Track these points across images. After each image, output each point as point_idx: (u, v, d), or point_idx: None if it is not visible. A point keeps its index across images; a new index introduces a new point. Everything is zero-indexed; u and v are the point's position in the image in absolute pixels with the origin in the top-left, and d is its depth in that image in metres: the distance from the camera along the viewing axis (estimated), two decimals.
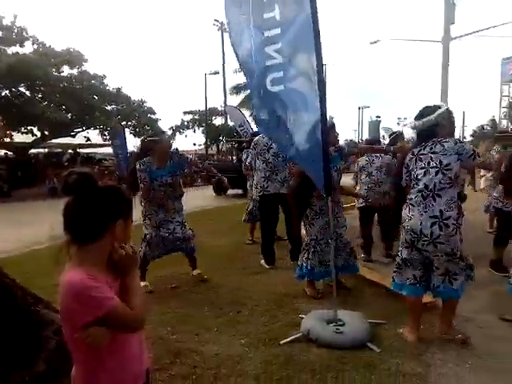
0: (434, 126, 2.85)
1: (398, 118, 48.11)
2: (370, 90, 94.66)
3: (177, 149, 4.53)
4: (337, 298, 3.27)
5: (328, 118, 3.15)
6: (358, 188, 5.35)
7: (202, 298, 3.89)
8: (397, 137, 5.36)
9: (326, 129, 2.95)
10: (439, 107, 2.89)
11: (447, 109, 2.93)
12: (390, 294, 3.75)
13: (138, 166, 4.05)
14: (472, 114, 63.75)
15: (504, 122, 13.60)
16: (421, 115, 2.92)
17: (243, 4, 3.22)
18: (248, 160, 6.06)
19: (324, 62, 2.95)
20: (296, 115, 3.07)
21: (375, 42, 19.43)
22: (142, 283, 3.82)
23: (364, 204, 5.14)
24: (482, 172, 7.29)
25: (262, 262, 5.01)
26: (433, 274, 2.85)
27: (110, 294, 1.26)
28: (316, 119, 2.90)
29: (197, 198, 11.00)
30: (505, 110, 12.76)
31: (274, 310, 3.55)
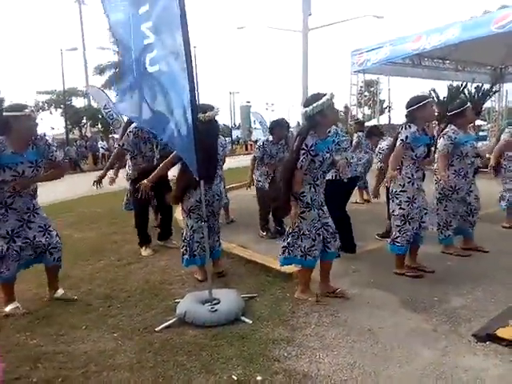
0: (318, 113, 3.04)
1: (266, 104, 50.85)
2: (239, 76, 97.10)
3: (45, 133, 3.91)
4: (213, 279, 3.37)
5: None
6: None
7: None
8: None
9: (197, 111, 2.92)
10: (324, 95, 3.05)
11: (331, 98, 3.05)
12: (262, 270, 3.99)
13: None
14: None
15: (354, 109, 15.32)
16: (308, 102, 3.09)
17: None
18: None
19: (194, 44, 2.92)
20: (169, 97, 3.00)
21: (242, 28, 20.02)
22: (10, 306, 3.23)
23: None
24: None
25: (143, 251, 4.86)
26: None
27: None
28: (186, 102, 2.85)
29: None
30: (354, 97, 14.46)
31: (149, 299, 3.46)
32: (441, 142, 4.15)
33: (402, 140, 3.55)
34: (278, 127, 5.25)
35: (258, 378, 2.28)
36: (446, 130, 4.19)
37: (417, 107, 3.60)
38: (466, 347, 2.53)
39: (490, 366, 2.32)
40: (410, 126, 3.57)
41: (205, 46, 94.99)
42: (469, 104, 4.37)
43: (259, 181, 5.37)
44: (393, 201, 3.72)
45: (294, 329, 2.84)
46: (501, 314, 2.90)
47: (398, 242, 3.69)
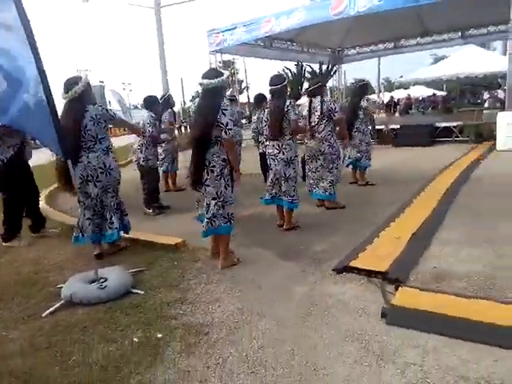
0: (220, 87, 3.25)
1: (123, 83, 48.09)
2: (89, 53, 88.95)
3: None
4: (96, 260, 3.44)
5: None
6: None
7: None
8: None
9: (49, 84, 2.73)
10: (223, 73, 3.29)
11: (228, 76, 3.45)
12: (146, 246, 4.05)
13: None
14: (188, 80, 70.90)
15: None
16: (208, 75, 3.24)
17: None
18: None
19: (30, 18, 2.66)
20: (8, 76, 2.76)
21: (87, 1, 18.48)
22: None
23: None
24: None
25: (16, 242, 4.52)
26: None
27: None
28: (34, 77, 2.66)
29: None
30: None
31: (26, 290, 3.26)
32: (336, 106, 5.00)
33: (297, 114, 4.18)
34: (154, 104, 5.67)
35: (159, 335, 2.45)
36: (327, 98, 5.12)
37: (283, 85, 4.19)
38: (329, 279, 3.09)
39: (347, 290, 2.90)
40: (296, 104, 4.22)
41: (47, 20, 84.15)
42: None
43: (149, 159, 5.51)
44: (288, 166, 4.21)
45: (185, 290, 3.05)
46: (352, 250, 3.57)
47: (296, 201, 4.27)
